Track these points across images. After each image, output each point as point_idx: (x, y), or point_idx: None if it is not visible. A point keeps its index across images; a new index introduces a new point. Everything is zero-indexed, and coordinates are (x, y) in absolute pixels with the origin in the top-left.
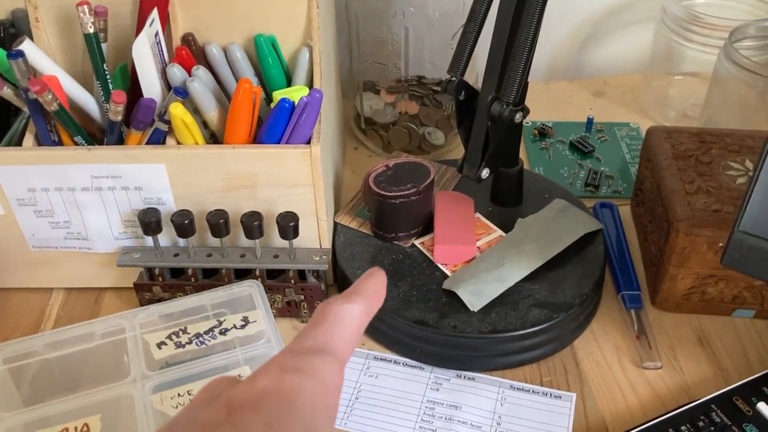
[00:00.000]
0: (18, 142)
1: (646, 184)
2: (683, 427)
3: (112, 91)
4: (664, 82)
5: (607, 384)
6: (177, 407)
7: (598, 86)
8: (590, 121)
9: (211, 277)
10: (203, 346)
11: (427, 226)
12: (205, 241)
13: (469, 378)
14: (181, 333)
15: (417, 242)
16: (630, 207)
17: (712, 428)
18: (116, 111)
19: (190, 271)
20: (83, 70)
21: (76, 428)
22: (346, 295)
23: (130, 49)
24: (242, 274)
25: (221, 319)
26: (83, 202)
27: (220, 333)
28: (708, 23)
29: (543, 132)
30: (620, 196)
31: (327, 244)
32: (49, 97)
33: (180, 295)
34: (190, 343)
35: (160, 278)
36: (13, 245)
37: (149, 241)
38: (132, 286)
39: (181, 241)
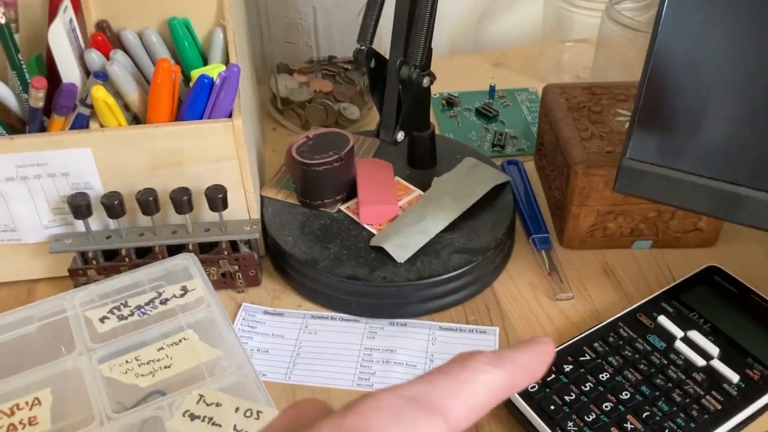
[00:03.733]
0: None
1: (546, 137)
2: (596, 344)
3: (31, 78)
4: (557, 50)
5: (525, 317)
6: (126, 373)
7: (497, 57)
8: (492, 89)
9: (145, 256)
10: (145, 316)
11: (350, 192)
12: (135, 222)
13: (401, 324)
14: (122, 307)
15: (342, 207)
16: (534, 161)
17: (621, 342)
18: (37, 97)
19: (123, 252)
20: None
21: (27, 403)
22: (498, 355)
23: (43, 39)
24: (175, 251)
25: (160, 291)
26: (8, 193)
27: (161, 303)
28: None
29: (450, 101)
30: (524, 153)
31: (256, 215)
32: None
33: (114, 276)
34: (132, 315)
35: (94, 261)
36: None
37: (80, 226)
38: (64, 275)
39: (112, 223)
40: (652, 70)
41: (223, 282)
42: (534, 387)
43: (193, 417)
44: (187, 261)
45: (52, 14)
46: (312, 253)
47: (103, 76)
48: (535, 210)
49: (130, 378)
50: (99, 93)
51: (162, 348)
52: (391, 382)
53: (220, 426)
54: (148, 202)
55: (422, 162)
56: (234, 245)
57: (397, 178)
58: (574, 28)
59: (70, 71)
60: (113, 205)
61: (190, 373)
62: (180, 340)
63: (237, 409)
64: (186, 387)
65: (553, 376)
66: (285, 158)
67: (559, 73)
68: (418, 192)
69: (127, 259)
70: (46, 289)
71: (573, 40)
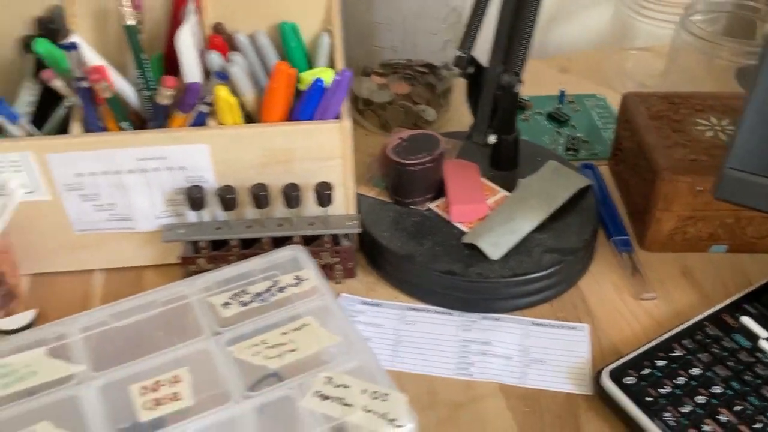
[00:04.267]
0: (61, 131)
1: (626, 143)
2: (685, 341)
3: (163, 77)
4: (622, 57)
5: (611, 315)
6: (255, 355)
7: (562, 63)
8: (563, 94)
9: (251, 247)
10: (264, 303)
11: (438, 191)
12: (242, 214)
13: (494, 319)
14: (242, 294)
15: (432, 205)
16: (608, 166)
17: (708, 340)
18: (166, 95)
19: (233, 242)
20: (116, 60)
21: (168, 380)
22: None
23: (160, 39)
24: (277, 243)
25: (275, 280)
26: (128, 184)
27: (278, 291)
28: (662, 1)
29: (522, 105)
30: (597, 157)
31: (354, 210)
32: (104, 85)
33: (223, 266)
34: (252, 301)
35: (204, 251)
36: (58, 230)
37: (190, 217)
38: (170, 262)
39: (219, 215)
40: (761, 83)
41: (322, 273)
42: (631, 380)
43: (323, 397)
44: (296, 252)
45: (176, 16)
46: (408, 249)
47: (223, 77)
48: (614, 213)
49: (260, 360)
50: (222, 93)
51: (285, 333)
52: (490, 373)
53: (351, 406)
54: (260, 196)
55: (506, 164)
56: (334, 238)
57: (482, 179)
58: (638, 36)
59: (192, 71)
60: (227, 199)
61: (314, 356)
62: (301, 326)
63: (364, 391)
64: (312, 369)
65: (648, 370)
66: (379, 157)
67: (623, 80)
68: (503, 192)
69: (235, 249)
70: (153, 275)
71: (637, 48)
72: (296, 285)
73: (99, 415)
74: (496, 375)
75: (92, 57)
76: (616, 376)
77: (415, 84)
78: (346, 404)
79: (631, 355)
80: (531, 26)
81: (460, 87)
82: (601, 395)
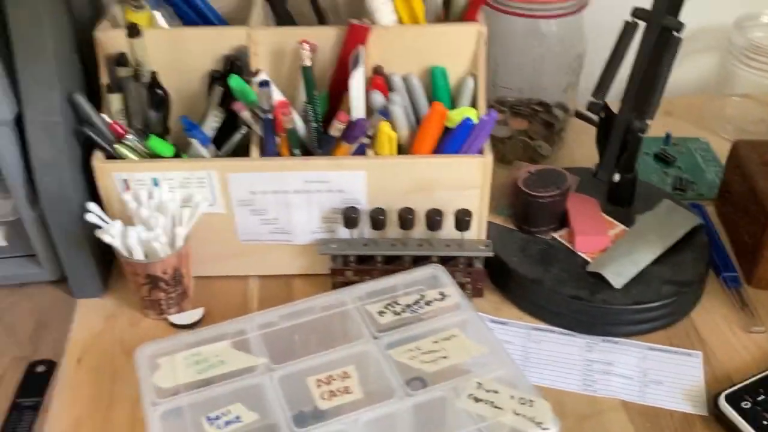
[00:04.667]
0: (239, 153)
1: (735, 187)
2: None
3: (339, 112)
4: (723, 103)
5: (722, 345)
6: (412, 359)
7: (666, 106)
8: (668, 136)
9: (392, 264)
10: (414, 314)
11: (561, 222)
12: (384, 234)
13: (613, 342)
14: (394, 304)
15: (556, 235)
16: (715, 206)
17: None
18: (338, 128)
19: (377, 258)
20: (286, 94)
21: (338, 375)
22: None
23: (324, 78)
24: (415, 262)
25: (422, 294)
26: (293, 203)
27: (426, 304)
28: None
29: None
30: (703, 198)
31: (484, 236)
32: (290, 117)
33: (367, 278)
34: (404, 311)
35: (352, 264)
36: (226, 239)
37: (339, 234)
38: (317, 273)
39: (366, 233)
40: None
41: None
42: (747, 404)
43: (476, 400)
44: (437, 271)
45: (343, 60)
46: (536, 273)
47: (386, 114)
48: (723, 251)
49: (417, 364)
50: (386, 128)
51: (436, 341)
52: (612, 390)
53: (501, 409)
54: (407, 218)
55: (623, 200)
56: (467, 260)
57: (602, 213)
58: (740, 83)
59: (359, 108)
60: (378, 219)
61: (463, 364)
62: (450, 336)
63: (512, 397)
64: (462, 375)
65: (763, 397)
66: (507, 188)
67: (724, 124)
68: (621, 227)
69: (378, 265)
70: (301, 284)
71: (738, 94)
72: (441, 300)
73: (281, 401)
74: (618, 392)
75: (276, 93)
76: (733, 401)
77: (531, 121)
78: (496, 407)
79: (746, 382)
80: (666, 76)
81: (572, 125)
82: (718, 417)
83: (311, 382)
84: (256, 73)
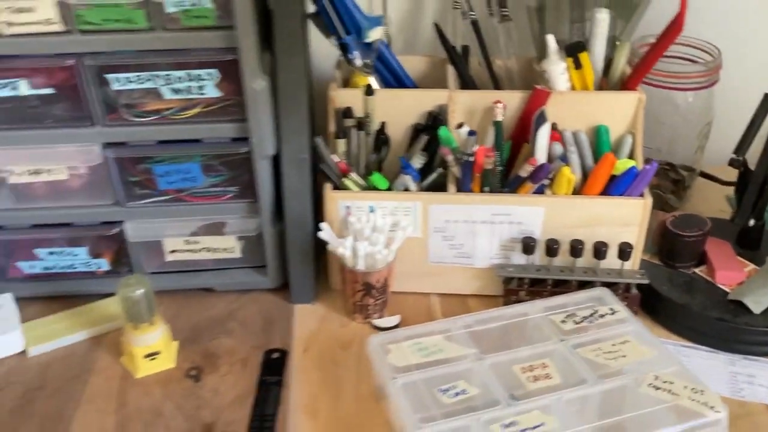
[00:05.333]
0: (431, 189)
1: None
2: None
3: (530, 158)
4: None
5: None
6: (597, 357)
7: None
8: None
9: (558, 287)
10: (591, 324)
11: (700, 259)
12: (552, 262)
13: (753, 359)
14: (573, 316)
15: (696, 270)
16: None
17: None
18: (527, 170)
19: (548, 282)
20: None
21: (538, 365)
22: None
23: (508, 130)
24: (580, 286)
25: (595, 309)
26: (478, 231)
27: (599, 317)
28: None
29: None
30: None
31: (638, 266)
32: (492, 160)
33: (537, 299)
34: (581, 321)
35: (525, 286)
36: (419, 260)
37: (513, 259)
38: (487, 294)
39: (535, 260)
40: None
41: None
42: None
43: (655, 388)
44: (603, 293)
45: (527, 116)
46: (684, 300)
47: (566, 159)
48: None
49: (602, 360)
50: (567, 172)
51: (614, 344)
52: (758, 396)
53: (677, 395)
54: (577, 248)
55: (753, 243)
56: (624, 286)
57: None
58: None
59: (542, 155)
60: (552, 248)
61: (639, 362)
62: (624, 341)
63: (685, 387)
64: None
65: None
66: (656, 230)
67: None
68: (752, 265)
69: (548, 287)
70: (475, 302)
71: None
72: (612, 314)
73: (493, 382)
74: (764, 398)
75: (473, 141)
76: None
77: (661, 177)
78: (673, 393)
79: None
80: None
81: (697, 182)
82: None
83: (516, 369)
84: (460, 125)
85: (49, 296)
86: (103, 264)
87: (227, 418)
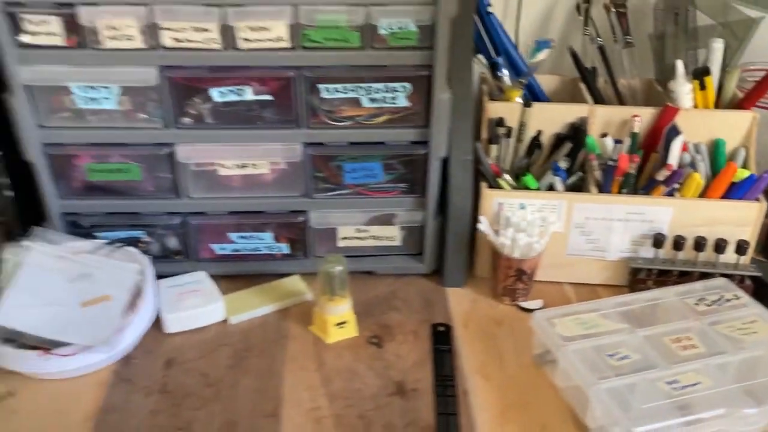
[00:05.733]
0: (574, 190)
1: None
2: None
3: (667, 164)
4: None
5: None
6: (732, 332)
7: None
8: None
9: (682, 277)
10: (720, 306)
11: None
12: (676, 256)
13: None
14: (704, 300)
15: None
16: None
17: None
18: (664, 174)
19: (673, 273)
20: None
21: (683, 338)
22: None
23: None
24: (701, 277)
25: (721, 295)
26: (613, 228)
27: (726, 301)
28: None
29: None
30: None
31: (749, 261)
32: (636, 165)
33: (662, 288)
34: (712, 304)
35: (653, 276)
36: (557, 252)
37: (641, 253)
38: (614, 284)
39: (661, 254)
40: None
41: None
42: None
43: None
44: (724, 282)
45: (657, 128)
46: None
47: (693, 167)
48: None
49: (738, 335)
50: (696, 177)
51: (744, 323)
52: None
53: None
54: (701, 243)
55: None
56: (739, 277)
57: None
58: None
59: (675, 162)
60: (679, 243)
61: None
62: (752, 321)
63: None
64: None
65: None
66: (761, 229)
67: None
68: None
69: (672, 278)
70: (603, 291)
71: None
72: (736, 299)
73: (650, 351)
74: None
75: (619, 148)
76: None
77: None
78: None
79: None
80: None
81: None
82: None
83: (666, 340)
84: (604, 135)
85: (233, 275)
86: (284, 248)
87: (413, 377)
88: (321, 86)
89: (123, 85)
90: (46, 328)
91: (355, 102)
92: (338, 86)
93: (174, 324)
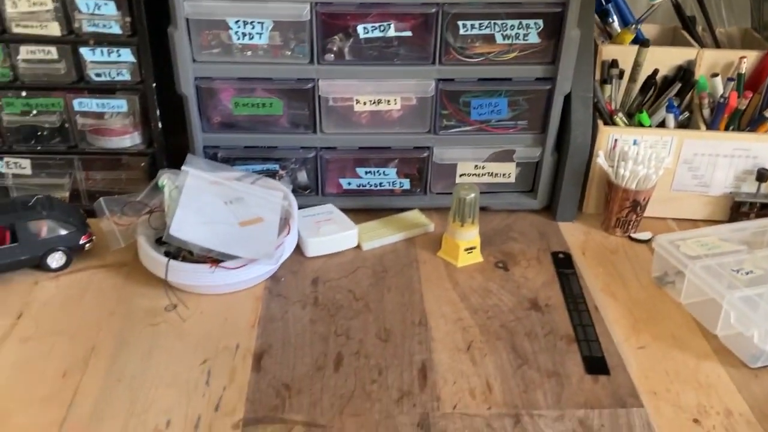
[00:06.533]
0: (681, 127)
1: None
2: None
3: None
4: None
5: None
6: None
7: None
8: None
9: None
10: None
11: None
12: None
13: None
14: None
15: None
16: None
17: None
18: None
19: None
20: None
21: None
22: None
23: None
24: None
25: None
26: (718, 164)
27: None
28: None
29: None
30: None
31: None
32: (748, 101)
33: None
34: None
35: (754, 209)
36: (662, 188)
37: (742, 188)
38: (714, 219)
39: (763, 188)
40: None
41: None
42: None
43: None
44: None
45: (760, 71)
46: None
47: None
48: None
49: None
50: None
51: None
52: None
53: None
54: None
55: None
56: None
57: None
58: None
59: None
60: None
61: None
62: None
63: None
64: None
65: None
66: None
67: None
68: None
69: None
70: (705, 225)
71: None
72: None
73: None
74: None
75: (730, 86)
76: None
77: None
78: None
79: None
80: None
81: None
82: None
83: None
84: (715, 75)
85: (356, 209)
86: (405, 183)
87: (544, 295)
88: (460, 23)
89: (276, 20)
90: (214, 241)
91: (489, 38)
92: (475, 23)
93: (314, 248)
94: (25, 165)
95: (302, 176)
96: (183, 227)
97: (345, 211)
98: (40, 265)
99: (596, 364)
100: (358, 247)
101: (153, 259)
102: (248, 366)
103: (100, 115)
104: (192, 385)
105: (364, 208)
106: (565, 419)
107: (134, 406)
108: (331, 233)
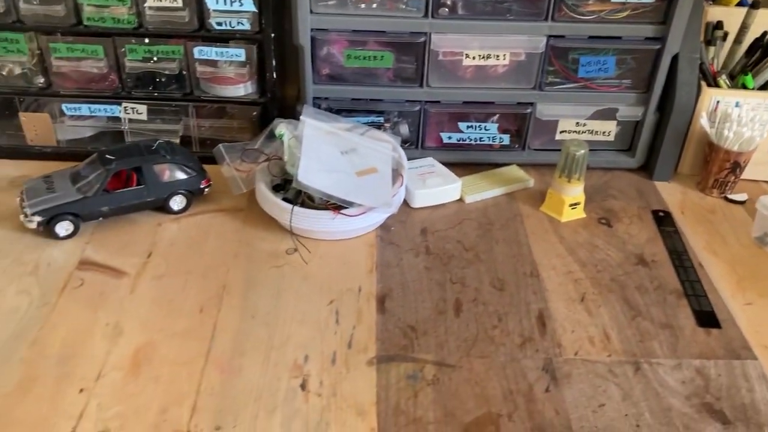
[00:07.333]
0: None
1: None
2: None
3: None
4: None
5: None
6: None
7: None
8: None
9: None
10: None
11: None
12: None
13: None
14: None
15: None
16: None
17: None
18: None
19: None
20: None
21: None
22: None
23: None
24: None
25: None
26: None
27: None
28: None
29: None
30: None
31: None
32: None
33: None
34: None
35: None
36: (760, 151)
37: None
38: None
39: None
40: None
41: None
42: None
43: None
44: None
45: None
46: None
47: None
48: None
49: None
50: None
51: None
52: None
53: None
54: None
55: None
56: None
57: None
58: None
59: None
60: None
61: None
62: None
63: None
64: None
65: None
66: None
67: None
68: None
69: None
70: None
71: None
72: None
73: None
74: None
75: None
76: None
77: None
78: None
79: None
80: None
81: None
82: None
83: None
84: None
85: (454, 163)
86: (505, 139)
87: (649, 251)
88: None
89: None
90: (337, 189)
91: None
92: None
93: (421, 199)
94: (141, 111)
95: (404, 129)
96: (308, 174)
97: (444, 164)
98: (163, 207)
99: (707, 318)
100: (461, 200)
101: (276, 204)
102: (373, 308)
103: (215, 64)
104: (323, 323)
105: (463, 162)
106: (683, 368)
107: (272, 340)
108: (437, 186)
